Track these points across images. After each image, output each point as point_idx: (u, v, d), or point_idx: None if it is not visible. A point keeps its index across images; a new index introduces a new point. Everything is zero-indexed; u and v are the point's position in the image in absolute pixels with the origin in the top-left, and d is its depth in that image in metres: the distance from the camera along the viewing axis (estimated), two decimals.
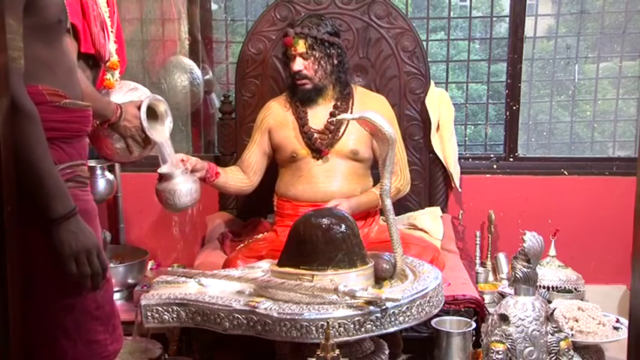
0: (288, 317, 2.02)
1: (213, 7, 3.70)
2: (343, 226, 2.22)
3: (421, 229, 3.18)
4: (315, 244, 2.19)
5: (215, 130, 3.65)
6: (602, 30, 3.71)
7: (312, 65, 2.86)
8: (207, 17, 3.65)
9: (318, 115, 2.93)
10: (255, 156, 3.01)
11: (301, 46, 2.85)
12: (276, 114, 3.00)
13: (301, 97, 2.92)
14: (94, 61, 2.23)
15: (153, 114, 2.42)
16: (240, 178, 2.99)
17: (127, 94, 2.41)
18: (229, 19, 3.75)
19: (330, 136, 2.91)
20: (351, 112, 2.91)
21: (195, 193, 2.60)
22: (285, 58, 2.96)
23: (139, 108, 2.34)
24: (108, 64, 2.32)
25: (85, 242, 1.56)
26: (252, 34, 3.34)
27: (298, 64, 2.86)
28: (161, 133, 2.45)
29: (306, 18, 2.93)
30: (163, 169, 2.53)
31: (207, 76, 3.57)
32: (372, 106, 2.88)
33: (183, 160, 2.65)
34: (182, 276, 2.36)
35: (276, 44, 3.29)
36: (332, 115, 2.90)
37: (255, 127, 3.06)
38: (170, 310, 2.19)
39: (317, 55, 2.85)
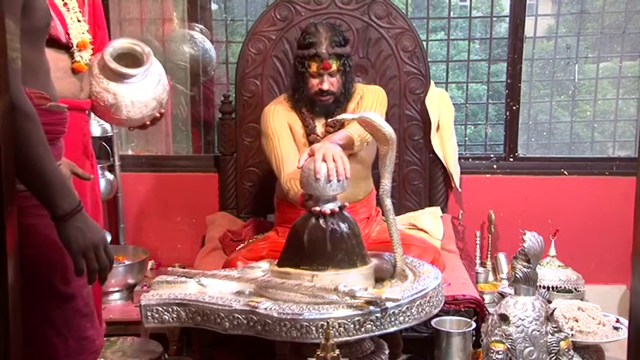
0: (288, 317, 2.02)
1: (213, 7, 3.71)
2: (343, 226, 2.22)
3: (421, 229, 3.18)
4: (315, 244, 2.19)
5: (215, 130, 3.66)
6: (602, 30, 3.72)
7: (338, 80, 2.81)
8: (207, 17, 3.65)
9: (322, 121, 2.89)
10: (296, 152, 2.78)
11: (334, 66, 2.78)
12: (288, 117, 2.88)
13: (320, 111, 2.86)
14: (56, 44, 2.12)
15: (136, 59, 2.28)
16: None
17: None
18: (229, 19, 3.76)
19: None
20: (345, 111, 2.85)
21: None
22: (302, 73, 2.81)
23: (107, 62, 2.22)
24: (76, 44, 2.20)
25: (92, 237, 1.57)
26: (252, 34, 3.35)
27: (327, 83, 2.79)
28: (145, 63, 2.26)
29: (325, 32, 2.79)
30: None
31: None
32: (373, 94, 2.89)
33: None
34: (182, 276, 2.36)
35: (276, 44, 3.29)
36: (327, 118, 2.85)
37: (276, 130, 2.83)
38: (170, 310, 2.19)
39: (342, 71, 2.81)
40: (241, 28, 3.74)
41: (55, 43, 2.10)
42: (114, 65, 2.21)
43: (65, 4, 2.18)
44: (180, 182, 3.58)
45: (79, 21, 2.21)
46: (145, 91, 2.27)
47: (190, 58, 3.59)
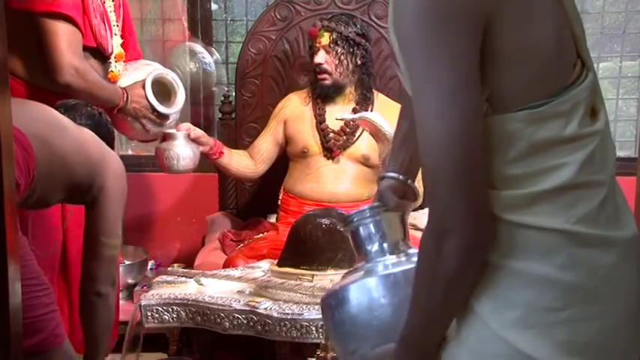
0: (288, 317, 2.02)
1: (213, 7, 3.70)
2: None
3: (421, 229, 3.17)
4: (315, 244, 2.19)
5: (215, 130, 3.65)
6: (602, 30, 3.71)
7: (334, 60, 2.84)
8: (207, 17, 3.65)
9: (337, 115, 2.91)
10: (267, 144, 3.01)
11: (325, 39, 2.84)
12: (295, 106, 3.01)
13: (320, 93, 2.92)
14: (99, 54, 2.30)
15: (165, 89, 2.50)
16: (245, 163, 2.99)
17: (136, 70, 2.45)
18: (229, 19, 3.75)
19: (345, 137, 2.91)
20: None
21: (191, 159, 2.70)
22: (310, 50, 2.95)
23: (144, 87, 2.40)
24: (113, 56, 2.36)
25: None
26: (252, 34, 3.34)
27: (320, 57, 2.85)
28: (173, 106, 2.54)
29: (338, 14, 2.95)
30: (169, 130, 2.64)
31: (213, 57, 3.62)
32: (391, 115, 2.88)
33: (188, 129, 2.72)
34: (182, 276, 2.36)
35: (276, 44, 3.29)
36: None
37: (272, 116, 3.06)
38: (170, 310, 2.19)
39: (339, 51, 2.84)
40: (241, 28, 3.74)
41: (99, 54, 2.29)
42: (156, 104, 2.45)
43: (107, 18, 2.33)
44: (180, 182, 3.58)
45: (115, 35, 2.38)
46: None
47: (191, 75, 3.58)
